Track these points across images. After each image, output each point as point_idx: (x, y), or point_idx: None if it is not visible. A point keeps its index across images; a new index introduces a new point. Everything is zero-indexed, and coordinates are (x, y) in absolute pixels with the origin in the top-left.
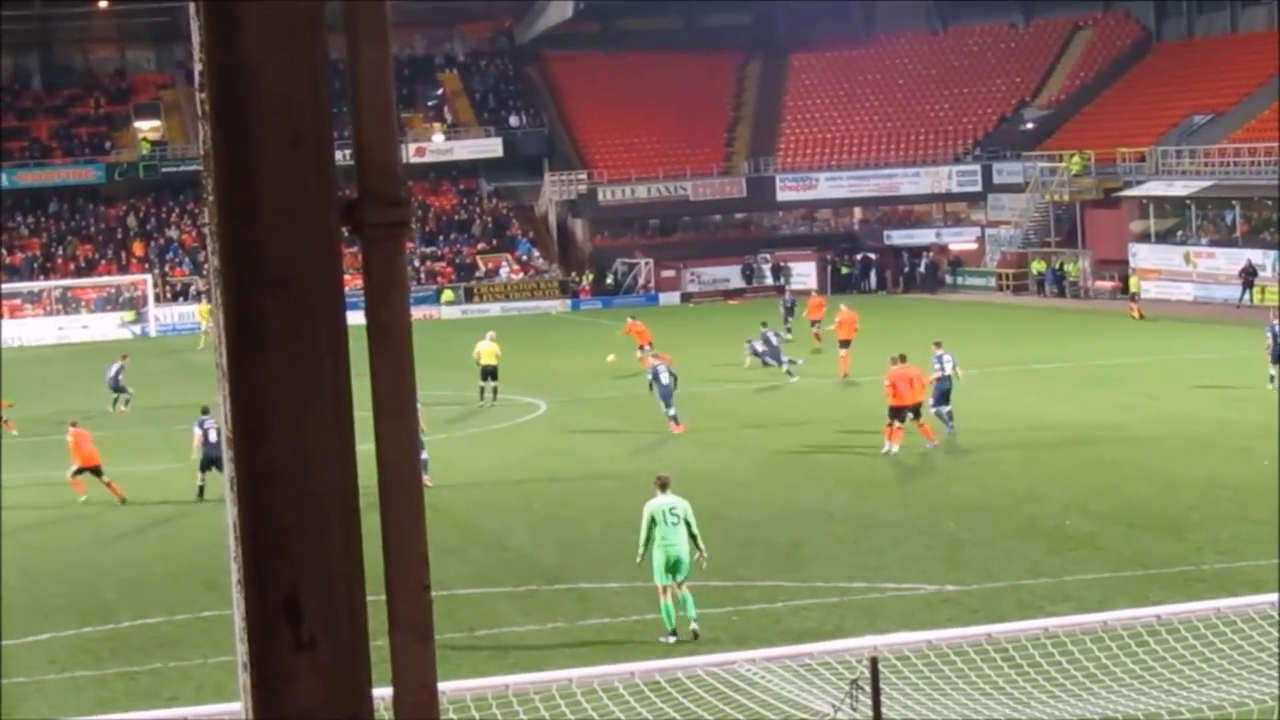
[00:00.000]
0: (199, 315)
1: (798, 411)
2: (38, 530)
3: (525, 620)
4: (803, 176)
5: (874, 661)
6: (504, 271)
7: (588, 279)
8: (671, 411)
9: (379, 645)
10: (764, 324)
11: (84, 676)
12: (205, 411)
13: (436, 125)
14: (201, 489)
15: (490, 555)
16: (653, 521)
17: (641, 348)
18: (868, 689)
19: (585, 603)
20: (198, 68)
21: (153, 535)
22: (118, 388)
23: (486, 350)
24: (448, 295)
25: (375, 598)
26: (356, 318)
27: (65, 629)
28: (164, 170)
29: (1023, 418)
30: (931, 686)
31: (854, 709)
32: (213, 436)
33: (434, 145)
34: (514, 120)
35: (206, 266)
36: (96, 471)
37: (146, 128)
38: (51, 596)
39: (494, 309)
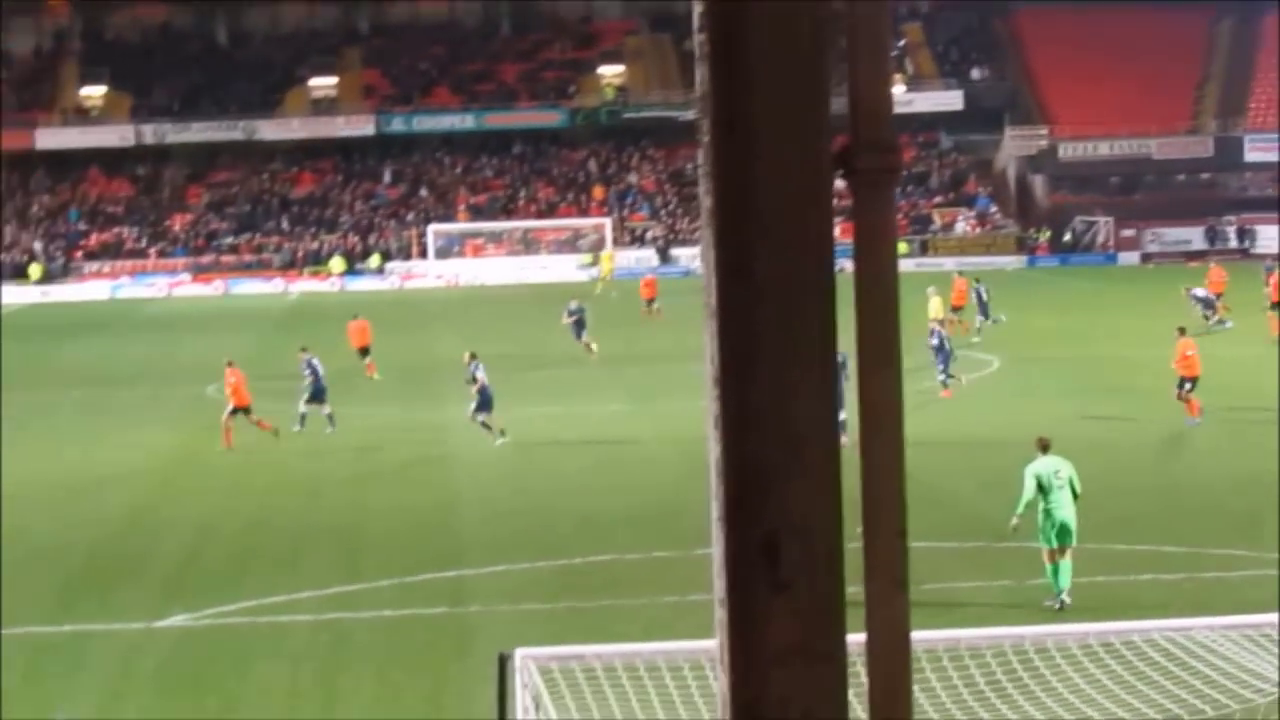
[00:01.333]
0: (602, 261)
1: (1243, 376)
2: (496, 466)
3: (973, 577)
4: (1273, 137)
5: None
6: (960, 226)
7: (1045, 236)
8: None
9: (853, 591)
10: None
11: (535, 609)
12: (473, 356)
13: (898, 77)
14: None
15: (939, 511)
16: (1039, 485)
17: None
18: None
19: (1035, 563)
20: (697, 10)
21: (607, 475)
22: (580, 324)
23: None
24: (902, 248)
25: (852, 545)
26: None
27: (519, 562)
28: (625, 116)
29: None
30: None
31: None
32: (480, 376)
33: (895, 97)
34: (975, 73)
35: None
36: (246, 410)
37: (610, 73)
38: (509, 531)
39: (948, 263)
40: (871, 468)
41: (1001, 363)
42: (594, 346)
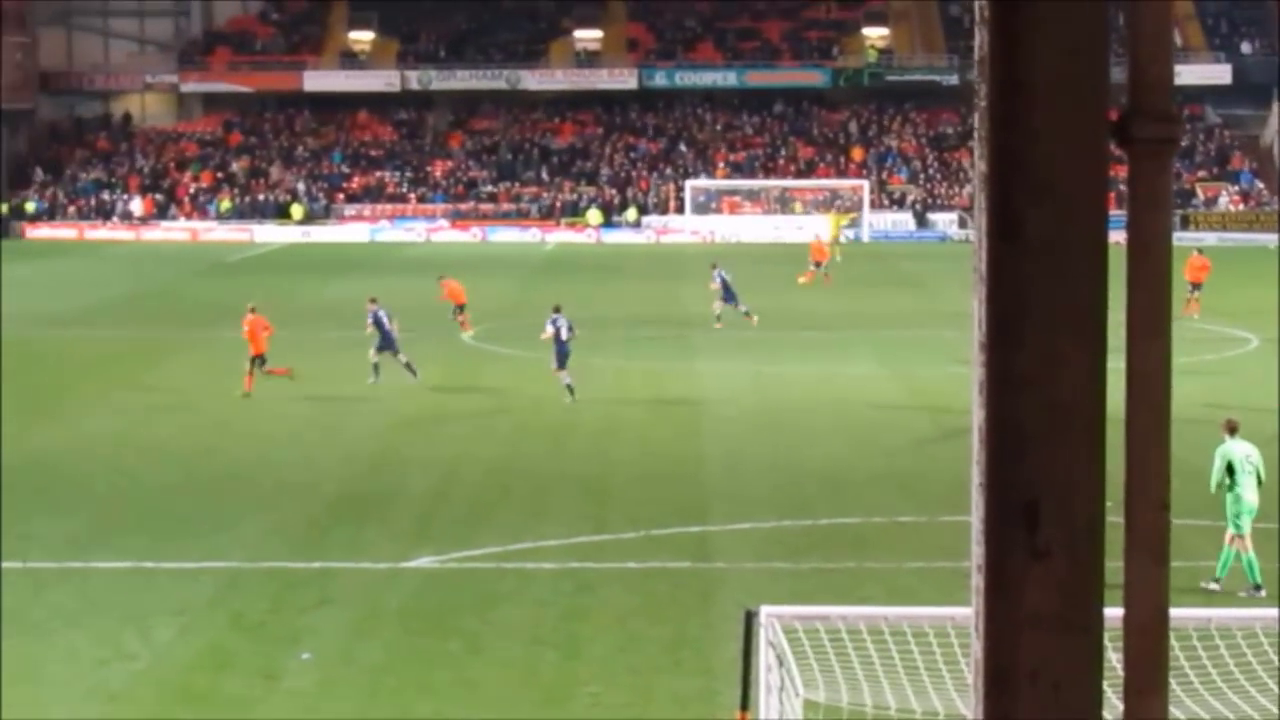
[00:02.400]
0: (831, 223)
1: None
2: (744, 421)
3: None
4: None
5: None
6: (1222, 201)
7: None
8: None
9: (1112, 565)
10: None
11: (780, 568)
12: (557, 309)
13: None
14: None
15: (1188, 485)
16: (1229, 468)
17: None
18: None
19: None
20: None
21: (853, 436)
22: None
23: None
24: None
25: (1113, 519)
26: (1117, 235)
27: (765, 520)
28: (888, 79)
29: None
30: None
31: None
32: (564, 334)
33: None
34: (1245, 47)
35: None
36: (261, 360)
37: (874, 35)
38: (754, 488)
39: (1209, 238)
40: (1136, 439)
41: (1260, 341)
42: (753, 317)
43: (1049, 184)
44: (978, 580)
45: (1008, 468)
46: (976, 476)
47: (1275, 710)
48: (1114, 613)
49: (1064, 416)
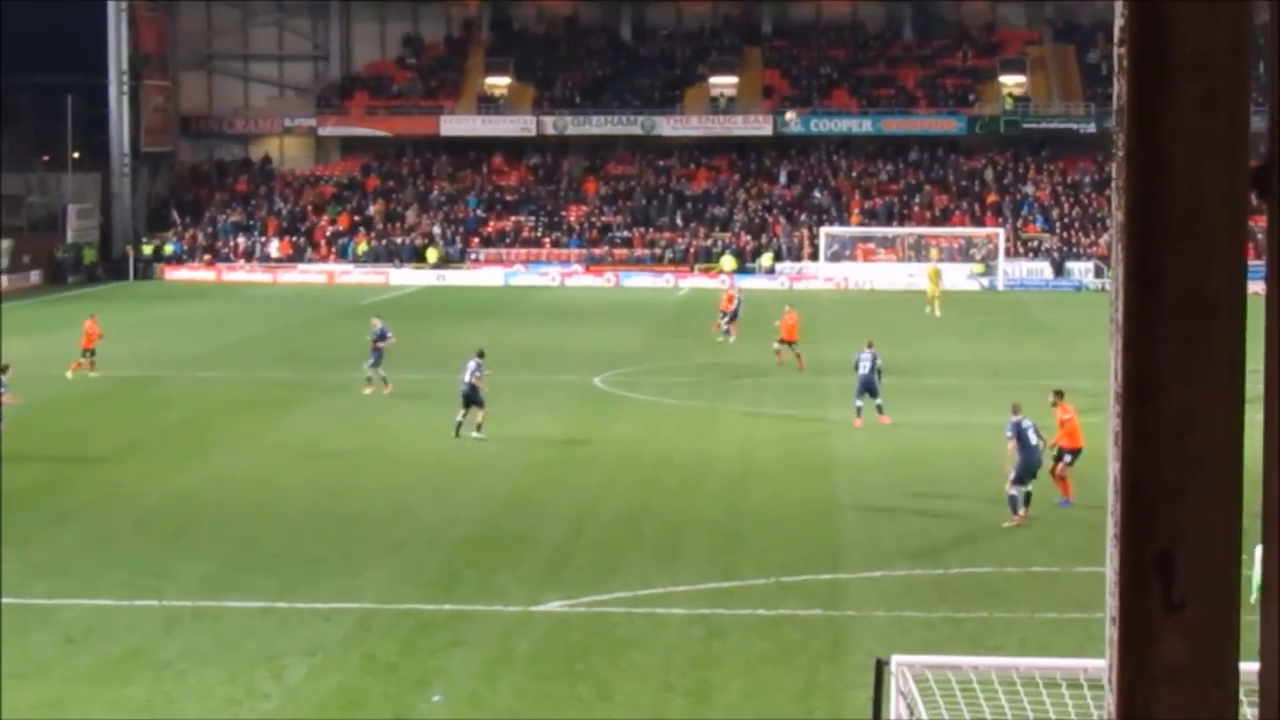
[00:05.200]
0: (929, 278)
1: None
2: (876, 469)
3: None
4: None
5: None
6: None
7: None
8: None
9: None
10: None
11: (911, 617)
12: (480, 354)
13: None
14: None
15: None
16: None
17: None
18: None
19: None
20: (1118, 23)
21: (986, 485)
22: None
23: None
24: None
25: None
26: (1256, 286)
27: (897, 569)
28: (1025, 125)
29: None
30: None
31: None
32: (468, 376)
33: None
34: None
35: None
36: (91, 352)
37: (1011, 83)
38: (886, 536)
39: None
40: (1274, 492)
41: None
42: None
43: (1187, 234)
44: (1111, 632)
45: (1143, 519)
46: (1111, 528)
47: None
48: (1249, 667)
49: (1201, 468)
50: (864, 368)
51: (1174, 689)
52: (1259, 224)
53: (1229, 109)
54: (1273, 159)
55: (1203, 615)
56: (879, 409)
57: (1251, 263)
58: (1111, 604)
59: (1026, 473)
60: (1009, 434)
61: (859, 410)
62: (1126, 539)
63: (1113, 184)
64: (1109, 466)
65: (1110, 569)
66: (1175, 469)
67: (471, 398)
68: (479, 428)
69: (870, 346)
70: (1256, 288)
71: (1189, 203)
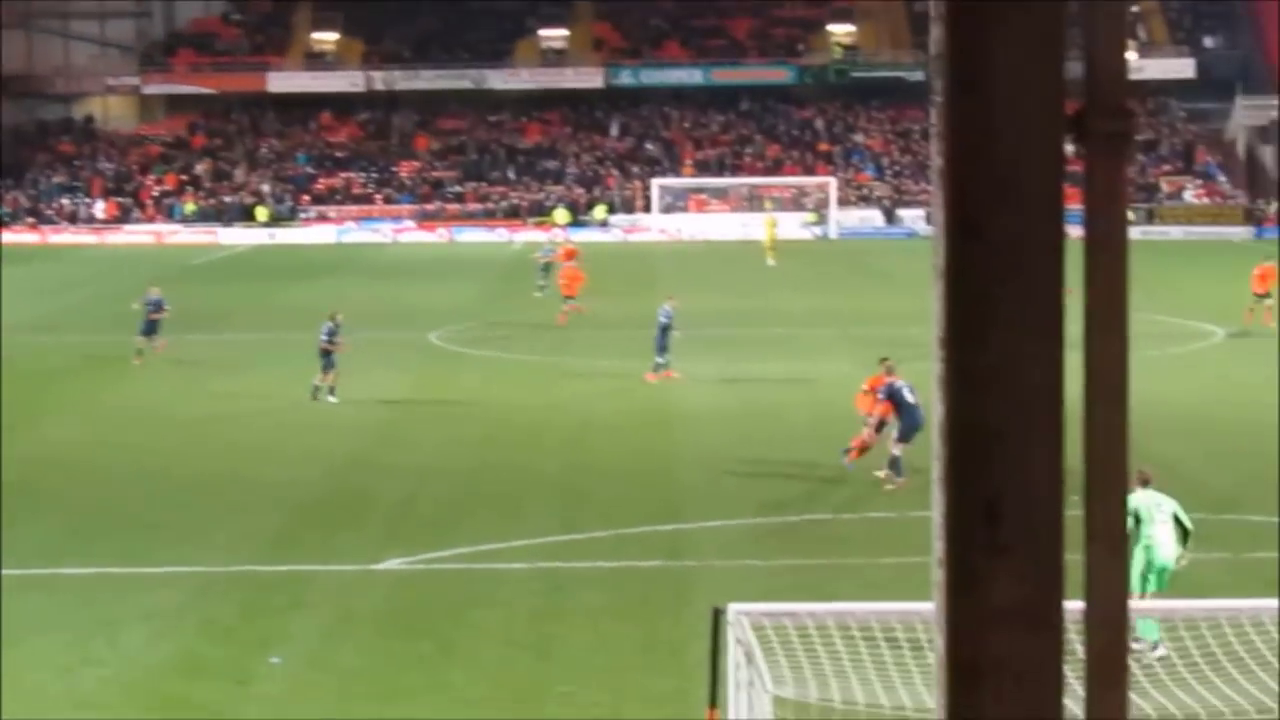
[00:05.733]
0: (764, 226)
1: None
2: (717, 421)
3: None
4: None
5: None
6: (1187, 195)
7: (1274, 208)
8: None
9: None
10: None
11: (753, 566)
12: (332, 318)
13: (1130, 42)
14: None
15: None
16: (1136, 518)
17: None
18: None
19: (1256, 537)
20: None
21: (824, 433)
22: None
23: None
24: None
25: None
26: (1074, 230)
27: (738, 519)
28: (854, 75)
29: None
30: None
31: None
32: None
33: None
34: (1208, 41)
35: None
36: None
37: (840, 32)
38: (726, 487)
39: (1174, 232)
40: (1096, 433)
41: (1224, 333)
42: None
43: (1008, 180)
44: (939, 575)
45: (968, 464)
46: (937, 471)
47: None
48: (1075, 605)
49: (1024, 413)
50: (662, 320)
51: (1002, 630)
52: (1076, 168)
53: (1046, 55)
54: (1089, 102)
55: (1028, 557)
56: (655, 365)
57: (1069, 207)
58: (939, 547)
59: (911, 430)
60: (882, 397)
61: (657, 366)
62: (952, 483)
63: (932, 131)
64: (934, 411)
65: (937, 512)
66: (1000, 413)
67: (324, 360)
68: (332, 391)
69: (670, 300)
70: (1075, 232)
71: (1008, 149)
